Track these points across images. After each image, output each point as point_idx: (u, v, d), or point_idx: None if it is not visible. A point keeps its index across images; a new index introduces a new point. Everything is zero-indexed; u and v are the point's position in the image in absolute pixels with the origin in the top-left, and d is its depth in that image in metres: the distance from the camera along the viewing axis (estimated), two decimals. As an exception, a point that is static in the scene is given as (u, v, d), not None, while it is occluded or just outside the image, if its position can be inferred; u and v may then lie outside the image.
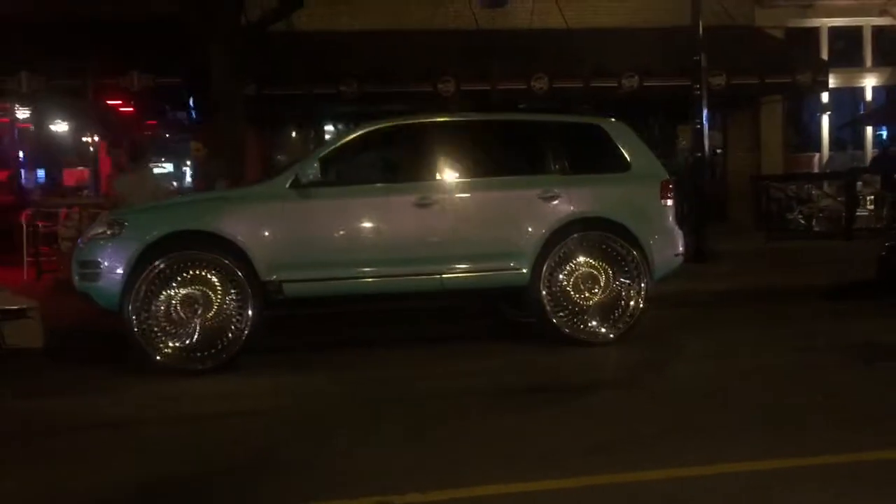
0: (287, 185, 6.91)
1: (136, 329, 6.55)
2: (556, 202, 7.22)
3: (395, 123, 7.38)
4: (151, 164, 13.31)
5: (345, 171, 7.14)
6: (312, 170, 6.83)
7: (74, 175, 15.89)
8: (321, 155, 7.01)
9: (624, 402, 5.54)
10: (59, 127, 15.73)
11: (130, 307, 6.54)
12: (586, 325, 7.21)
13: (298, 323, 8.27)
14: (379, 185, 7.23)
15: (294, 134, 16.56)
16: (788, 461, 4.22)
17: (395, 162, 7.53)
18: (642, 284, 7.28)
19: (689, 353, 7.04)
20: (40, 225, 11.87)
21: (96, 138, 15.35)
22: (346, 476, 4.20)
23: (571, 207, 7.24)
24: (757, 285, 10.31)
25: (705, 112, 12.20)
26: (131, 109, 14.51)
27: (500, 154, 7.47)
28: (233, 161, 10.75)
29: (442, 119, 7.61)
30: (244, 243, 6.70)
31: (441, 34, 14.51)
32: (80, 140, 15.87)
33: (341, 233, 6.96)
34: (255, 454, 4.64)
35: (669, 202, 7.55)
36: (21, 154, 15.59)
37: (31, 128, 15.74)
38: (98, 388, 6.26)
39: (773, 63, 15.59)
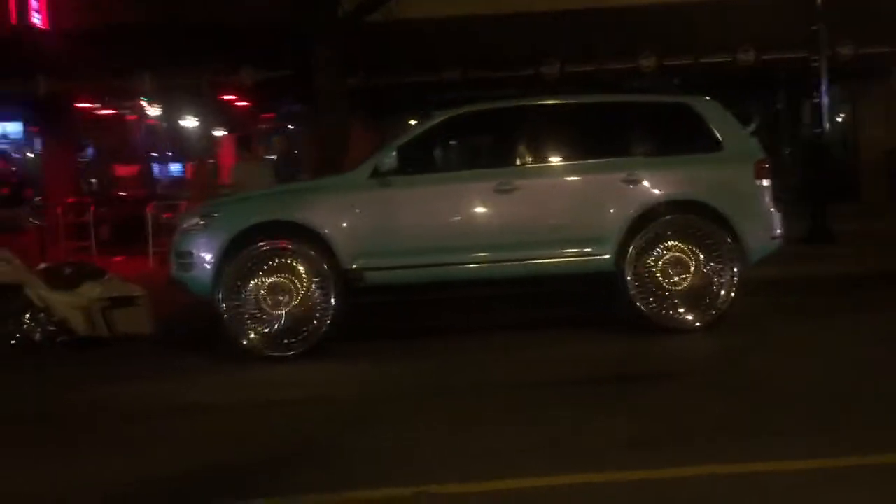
0: (367, 175, 7.00)
1: (225, 316, 6.80)
2: (641, 185, 7.01)
3: (472, 110, 7.33)
4: (267, 155, 13.79)
5: (424, 159, 7.14)
6: (390, 159, 6.89)
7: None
8: (400, 144, 7.05)
9: (690, 394, 5.29)
10: (184, 122, 16.51)
11: (221, 295, 6.81)
12: (674, 312, 6.98)
13: (393, 309, 8.39)
14: (458, 171, 7.22)
15: (407, 122, 16.76)
16: (833, 461, 3.96)
17: (474, 148, 7.52)
18: (735, 269, 6.98)
19: (779, 344, 6.64)
20: (164, 216, 12.56)
21: (217, 132, 16.04)
22: (388, 464, 4.23)
23: (657, 190, 7.02)
24: (879, 269, 9.69)
25: (824, 86, 11.55)
26: (246, 104, 15.05)
27: (584, 138, 7.28)
28: (338, 152, 10.98)
29: (522, 103, 7.51)
30: (327, 233, 6.84)
31: (544, 15, 14.28)
32: (204, 134, 16.62)
33: (421, 220, 6.99)
34: (305, 441, 4.75)
35: (765, 182, 7.19)
36: (150, 149, 16.45)
37: (159, 124, 16.59)
38: (184, 374, 6.54)
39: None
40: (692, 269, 7.00)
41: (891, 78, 15.78)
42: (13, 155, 14.01)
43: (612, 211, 7.00)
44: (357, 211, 6.95)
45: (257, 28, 13.11)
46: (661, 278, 6.99)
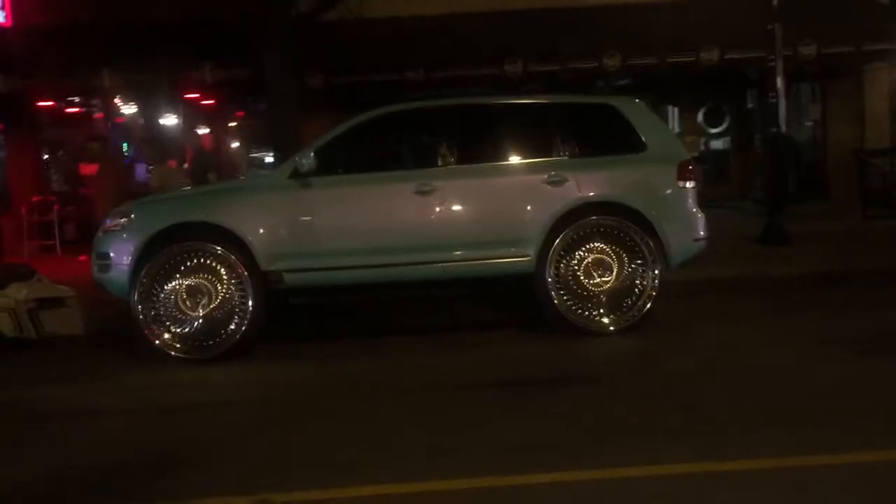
0: (287, 176, 6.97)
1: (140, 317, 6.77)
2: (562, 186, 6.97)
3: (392, 110, 7.29)
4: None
5: (343, 160, 7.08)
6: (309, 159, 6.86)
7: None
8: (319, 145, 7.02)
9: (592, 398, 5.28)
10: (156, 121, 16.43)
11: (136, 296, 6.78)
12: (594, 315, 6.95)
13: (321, 312, 8.38)
14: (377, 173, 7.17)
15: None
16: (718, 464, 3.93)
17: (394, 149, 7.47)
18: (656, 272, 6.95)
19: (699, 347, 6.60)
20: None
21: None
22: (252, 471, 4.21)
23: (578, 192, 6.98)
24: (829, 269, 9.64)
25: (780, 85, 11.49)
26: (212, 102, 15.01)
27: (507, 139, 7.25)
28: (287, 152, 10.93)
29: (442, 104, 7.47)
30: (244, 234, 6.80)
31: (508, 14, 14.22)
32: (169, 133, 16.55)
33: (338, 222, 6.96)
34: (191, 445, 4.72)
35: (689, 184, 7.15)
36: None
37: (127, 122, 16.53)
38: (99, 377, 6.52)
39: (874, 29, 14.47)
40: (613, 271, 6.98)
41: (857, 77, 15.71)
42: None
43: (532, 212, 6.97)
44: (275, 212, 6.92)
45: (220, 26, 13.04)
46: (581, 280, 6.97)
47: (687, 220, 7.15)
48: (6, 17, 14.93)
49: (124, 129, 16.63)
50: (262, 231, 6.84)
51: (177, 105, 15.16)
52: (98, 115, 15.95)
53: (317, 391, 5.89)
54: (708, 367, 5.96)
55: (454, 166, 7.04)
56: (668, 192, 7.11)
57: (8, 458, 4.66)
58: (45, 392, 6.13)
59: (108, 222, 7.15)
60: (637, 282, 6.99)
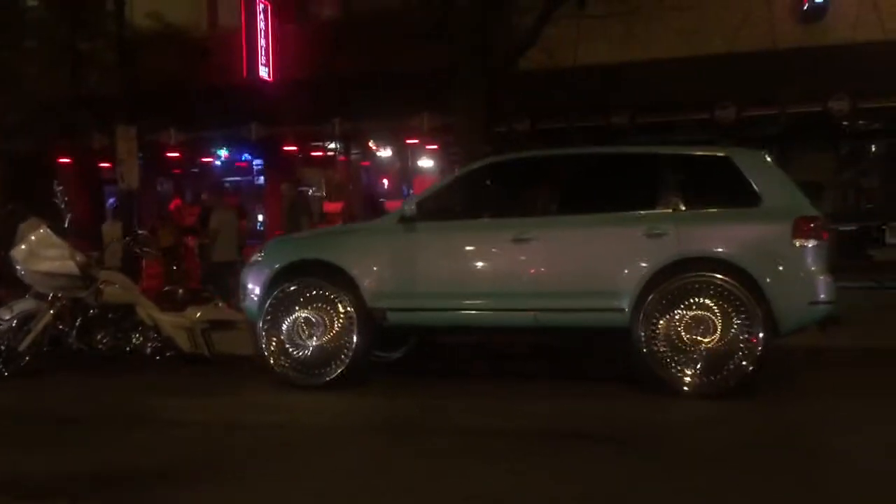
0: (396, 220, 7.42)
1: (263, 344, 7.53)
2: (661, 240, 6.74)
3: (497, 161, 7.47)
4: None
5: (450, 207, 7.39)
6: (414, 206, 7.25)
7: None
8: (427, 192, 7.40)
9: (619, 459, 5.08)
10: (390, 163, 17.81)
11: (262, 324, 7.56)
12: (686, 375, 6.61)
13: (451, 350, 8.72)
14: (477, 220, 7.38)
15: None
16: None
17: (497, 199, 7.61)
18: (760, 335, 6.47)
19: (784, 422, 6.05)
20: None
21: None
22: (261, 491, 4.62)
23: (678, 246, 6.70)
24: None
25: None
26: (435, 147, 15.99)
27: (608, 189, 7.14)
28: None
29: (546, 154, 7.52)
30: (352, 272, 7.34)
31: (720, 59, 13.70)
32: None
33: (439, 266, 7.25)
34: (219, 461, 5.26)
35: (808, 242, 6.57)
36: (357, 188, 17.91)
37: (369, 164, 18.07)
38: (221, 393, 7.35)
39: None
40: (712, 332, 6.59)
41: None
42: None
43: (628, 266, 6.79)
44: (381, 254, 7.38)
45: (433, 76, 13.95)
46: (675, 340, 6.66)
47: (803, 281, 6.57)
48: (269, 73, 17.05)
49: (366, 170, 18.20)
50: (369, 270, 7.33)
51: (401, 149, 16.28)
52: (341, 157, 17.58)
53: (369, 424, 6.23)
54: (770, 444, 5.46)
55: (553, 216, 7.08)
56: (781, 249, 6.59)
57: (76, 454, 5.43)
58: (164, 402, 7.05)
59: (252, 258, 8.04)
60: (740, 345, 6.55)
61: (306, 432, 6.00)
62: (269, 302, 7.53)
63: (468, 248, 7.24)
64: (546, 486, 4.59)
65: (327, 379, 7.33)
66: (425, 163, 17.18)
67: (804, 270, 6.58)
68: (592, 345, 8.71)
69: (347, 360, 7.30)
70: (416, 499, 4.43)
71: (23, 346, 8.27)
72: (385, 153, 16.82)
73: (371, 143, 17.26)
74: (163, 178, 18.64)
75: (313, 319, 7.43)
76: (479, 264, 7.20)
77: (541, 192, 7.18)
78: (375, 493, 4.54)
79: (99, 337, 8.62)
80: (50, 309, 8.42)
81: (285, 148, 15.90)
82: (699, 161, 7.10)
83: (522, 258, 7.04)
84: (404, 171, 17.34)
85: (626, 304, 6.78)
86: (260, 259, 7.80)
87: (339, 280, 7.37)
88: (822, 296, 6.59)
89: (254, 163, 17.64)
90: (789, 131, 13.72)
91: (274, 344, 7.51)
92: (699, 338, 6.62)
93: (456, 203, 7.49)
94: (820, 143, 14.65)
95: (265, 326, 7.54)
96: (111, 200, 17.36)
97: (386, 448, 5.52)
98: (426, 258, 7.30)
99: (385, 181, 18.57)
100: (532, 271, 7.02)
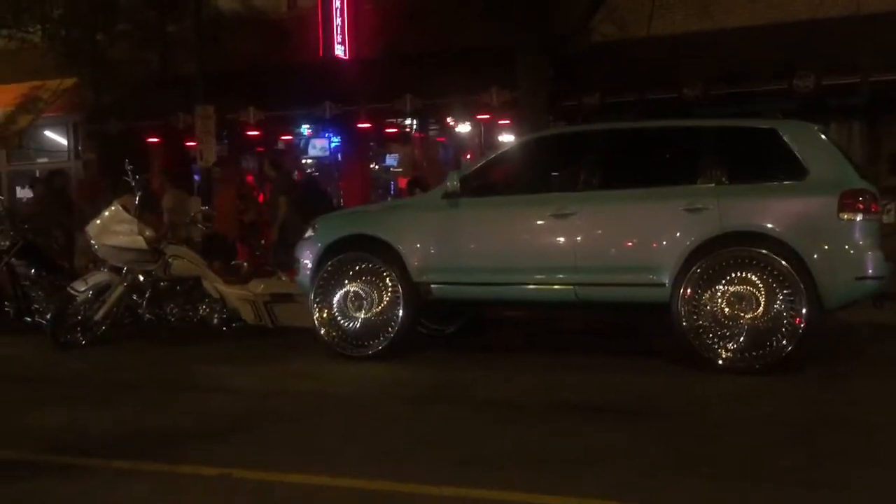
0: (440, 196, 7.54)
1: (315, 316, 7.79)
2: (703, 214, 6.65)
3: (537, 136, 7.50)
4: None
5: (489, 183, 7.47)
6: (457, 182, 7.35)
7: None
8: (471, 167, 7.48)
9: (647, 432, 5.09)
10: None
11: (314, 297, 7.82)
12: (728, 350, 6.55)
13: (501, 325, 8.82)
14: (518, 196, 7.43)
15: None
16: None
17: (538, 174, 7.63)
18: (803, 311, 6.34)
19: (823, 398, 5.94)
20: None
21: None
22: (283, 450, 4.84)
23: (720, 220, 6.60)
24: None
25: None
26: (507, 122, 15.96)
27: (651, 164, 7.08)
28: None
29: (588, 129, 7.50)
30: (399, 247, 7.50)
31: (800, 25, 13.20)
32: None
33: (481, 240, 7.36)
34: (251, 423, 5.53)
35: (856, 216, 6.38)
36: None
37: (445, 140, 18.16)
38: (269, 362, 7.75)
39: None
40: (753, 307, 6.50)
41: None
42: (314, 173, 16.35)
43: (668, 240, 6.75)
44: (426, 229, 7.52)
45: (503, 51, 13.94)
46: (716, 315, 6.60)
47: (849, 256, 6.40)
48: (346, 51, 17.32)
49: (443, 147, 18.31)
50: (414, 245, 7.48)
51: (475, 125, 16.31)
52: (417, 134, 17.74)
53: (412, 393, 6.40)
54: (784, 418, 5.38)
55: (593, 191, 7.06)
56: (826, 223, 6.42)
57: (124, 416, 5.81)
58: (217, 370, 7.44)
59: (305, 233, 8.30)
60: (784, 321, 6.43)
61: (332, 399, 6.26)
62: (320, 276, 7.77)
63: (509, 223, 7.32)
64: (541, 451, 4.68)
65: (372, 351, 7.54)
66: (505, 138, 17.20)
67: (851, 245, 6.41)
68: (647, 321, 8.64)
69: (393, 334, 7.49)
70: (412, 459, 4.59)
71: (98, 317, 8.79)
72: (462, 128, 16.83)
73: (449, 120, 17.35)
74: (247, 156, 19.22)
75: (362, 293, 7.64)
76: (520, 239, 7.26)
77: (583, 167, 7.16)
78: (369, 453, 4.71)
79: (169, 308, 9.09)
80: (122, 282, 8.91)
81: (359, 125, 16.13)
82: (745, 134, 6.97)
83: (563, 233, 7.08)
84: (481, 147, 17.38)
85: (666, 279, 6.74)
86: (312, 234, 8.05)
87: (386, 255, 7.55)
88: (869, 271, 6.42)
89: (330, 140, 17.94)
90: (874, 101, 13.11)
91: (325, 316, 7.77)
92: (741, 313, 6.53)
93: (499, 179, 7.56)
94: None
95: (317, 299, 7.80)
96: (196, 178, 18.02)
97: (399, 416, 5.70)
98: (469, 233, 7.41)
99: (468, 156, 18.66)
100: (572, 246, 7.04)
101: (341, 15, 17.05)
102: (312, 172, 16.11)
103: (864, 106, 13.59)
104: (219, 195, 11.98)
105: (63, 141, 19.76)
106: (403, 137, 17.74)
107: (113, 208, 9.03)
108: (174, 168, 13.20)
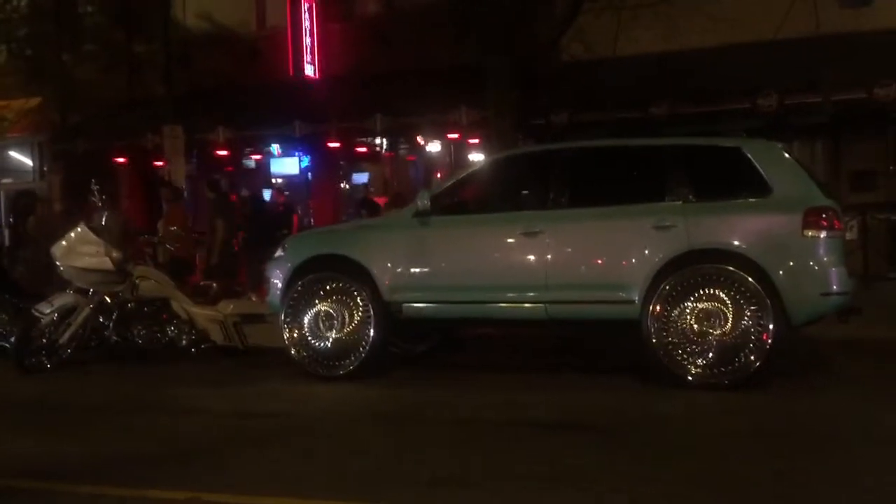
0: (411, 215, 7.55)
1: (285, 336, 7.75)
2: (670, 232, 6.72)
3: (505, 156, 7.55)
4: None
5: (462, 201, 7.50)
6: (427, 200, 7.36)
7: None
8: (440, 186, 7.50)
9: (588, 446, 5.14)
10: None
11: (284, 317, 7.77)
12: (696, 367, 6.60)
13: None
14: (487, 214, 7.46)
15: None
16: None
17: (508, 193, 7.66)
18: (770, 327, 6.41)
19: (786, 413, 6.01)
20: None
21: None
22: (241, 473, 4.81)
23: (687, 238, 6.68)
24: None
25: None
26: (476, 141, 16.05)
27: (618, 182, 7.14)
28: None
29: (554, 148, 7.55)
30: (369, 266, 7.49)
31: (763, 46, 13.44)
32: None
33: (451, 259, 7.36)
34: (212, 446, 5.48)
35: (819, 233, 6.49)
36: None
37: (415, 159, 18.22)
38: (240, 384, 7.64)
39: None
40: (720, 324, 6.56)
41: None
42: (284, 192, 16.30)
43: (637, 258, 6.81)
44: (397, 248, 7.51)
45: (470, 70, 14.03)
46: (685, 331, 6.65)
47: (814, 272, 6.50)
48: (315, 70, 17.34)
49: (414, 166, 18.35)
50: (384, 264, 7.47)
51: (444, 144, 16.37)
52: (386, 153, 17.77)
53: (370, 413, 6.40)
54: (753, 433, 5.45)
55: (562, 210, 7.11)
56: (791, 240, 6.51)
57: (73, 441, 5.67)
58: (186, 392, 7.36)
59: (276, 252, 8.26)
60: (752, 337, 6.50)
61: (302, 420, 6.22)
62: (290, 295, 7.73)
63: (480, 241, 7.34)
64: (513, 469, 4.70)
65: (343, 371, 7.51)
66: (475, 157, 17.27)
67: (816, 261, 6.50)
68: (616, 339, 8.69)
69: (364, 353, 7.47)
70: (381, 480, 4.58)
71: (63, 339, 8.67)
72: (432, 148, 16.88)
73: (419, 139, 17.40)
74: (219, 176, 19.12)
75: (333, 312, 7.61)
76: (491, 258, 7.28)
77: (552, 185, 7.20)
78: (339, 474, 4.70)
79: (136, 330, 8.99)
80: (89, 303, 8.80)
81: (329, 144, 16.13)
82: (711, 152, 7.07)
83: (533, 251, 7.11)
84: (451, 166, 17.44)
85: (636, 296, 6.79)
86: (282, 254, 8.02)
87: (357, 274, 7.53)
88: (834, 287, 6.51)
89: (300, 159, 17.93)
90: (837, 119, 13.37)
91: (296, 336, 7.73)
92: (709, 329, 6.59)
93: (469, 197, 7.58)
94: (870, 131, 14.23)
95: (287, 319, 7.76)
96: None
97: (369, 436, 5.69)
98: (439, 252, 7.42)
99: (437, 175, 18.71)
100: (542, 264, 7.07)
101: (311, 34, 17.11)
102: (284, 191, 16.02)
103: (827, 124, 13.87)
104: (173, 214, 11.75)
105: (28, 161, 19.55)
106: (374, 156, 17.78)
107: (79, 229, 8.92)
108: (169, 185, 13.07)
